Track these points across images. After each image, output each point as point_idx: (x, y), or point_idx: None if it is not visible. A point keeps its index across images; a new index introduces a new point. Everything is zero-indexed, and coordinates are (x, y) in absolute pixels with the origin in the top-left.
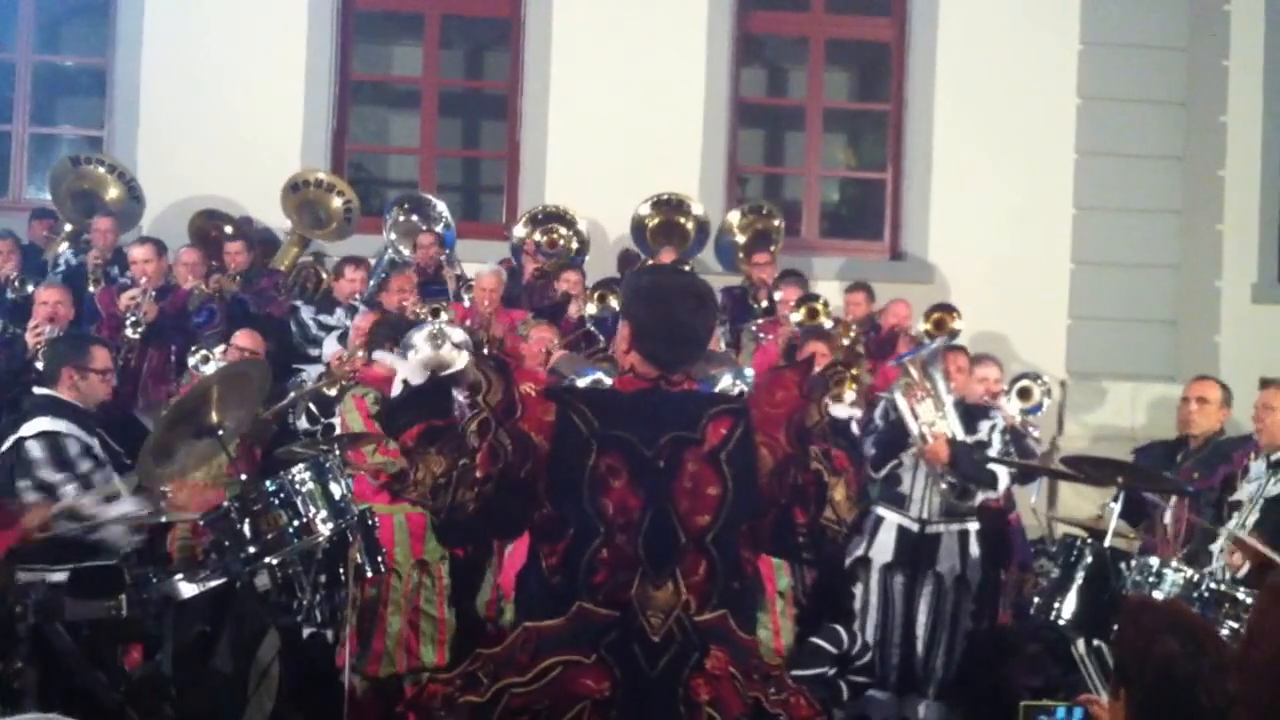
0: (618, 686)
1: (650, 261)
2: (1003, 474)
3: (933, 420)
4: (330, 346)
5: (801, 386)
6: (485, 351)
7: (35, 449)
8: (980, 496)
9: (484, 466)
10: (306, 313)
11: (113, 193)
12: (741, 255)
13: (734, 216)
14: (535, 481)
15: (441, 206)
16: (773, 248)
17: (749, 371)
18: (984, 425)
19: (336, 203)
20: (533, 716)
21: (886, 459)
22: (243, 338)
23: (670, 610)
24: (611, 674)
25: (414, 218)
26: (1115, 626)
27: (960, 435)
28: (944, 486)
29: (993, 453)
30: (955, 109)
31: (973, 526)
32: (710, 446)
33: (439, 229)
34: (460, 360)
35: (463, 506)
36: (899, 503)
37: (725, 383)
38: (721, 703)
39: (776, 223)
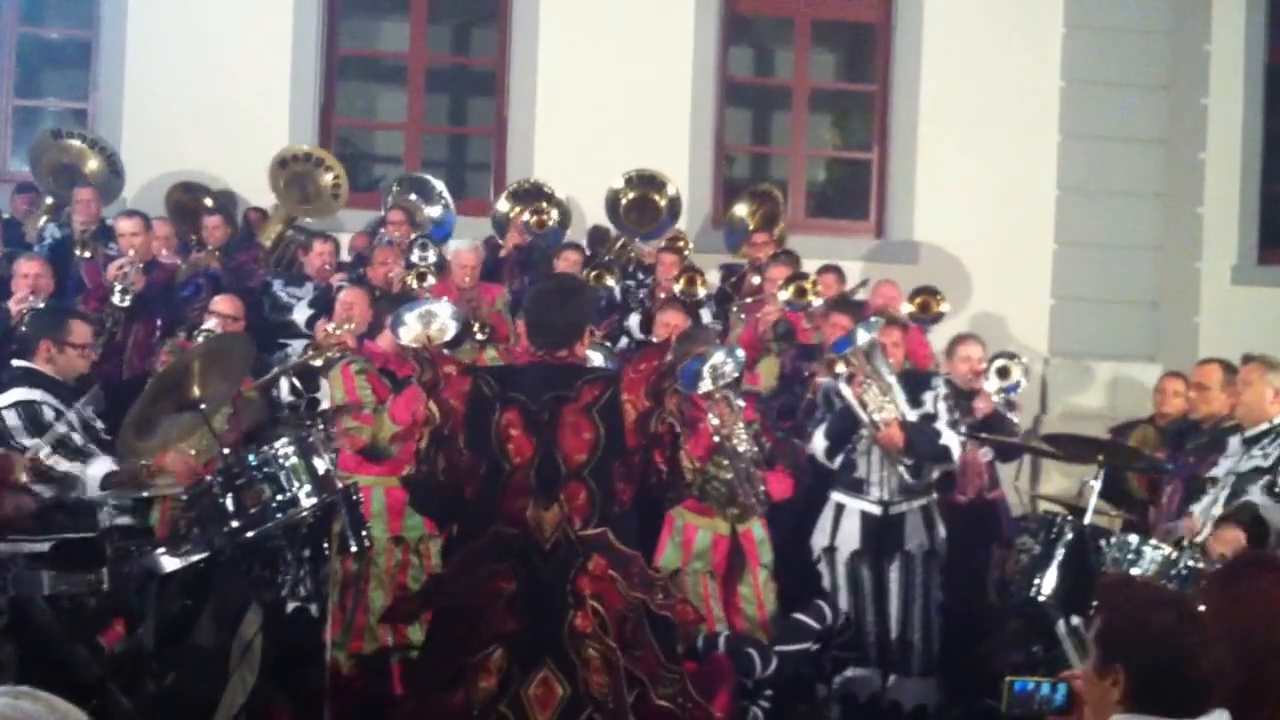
0: (521, 585)
1: (622, 239)
2: (955, 445)
3: (880, 405)
4: (300, 314)
5: (661, 359)
6: (474, 330)
7: (11, 417)
8: (935, 472)
9: (420, 429)
10: (278, 285)
11: (92, 165)
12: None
13: (742, 208)
14: (456, 435)
15: (441, 188)
16: (775, 229)
17: (740, 352)
18: (927, 396)
19: (326, 179)
20: (467, 614)
21: (840, 447)
22: (223, 303)
23: (556, 526)
24: (516, 576)
25: (412, 197)
26: (1096, 604)
27: (907, 412)
28: (901, 469)
29: (941, 423)
30: (940, 90)
31: (932, 499)
32: (585, 403)
33: (438, 211)
34: (448, 334)
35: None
36: (858, 488)
37: (718, 358)
38: (604, 598)
39: (776, 195)
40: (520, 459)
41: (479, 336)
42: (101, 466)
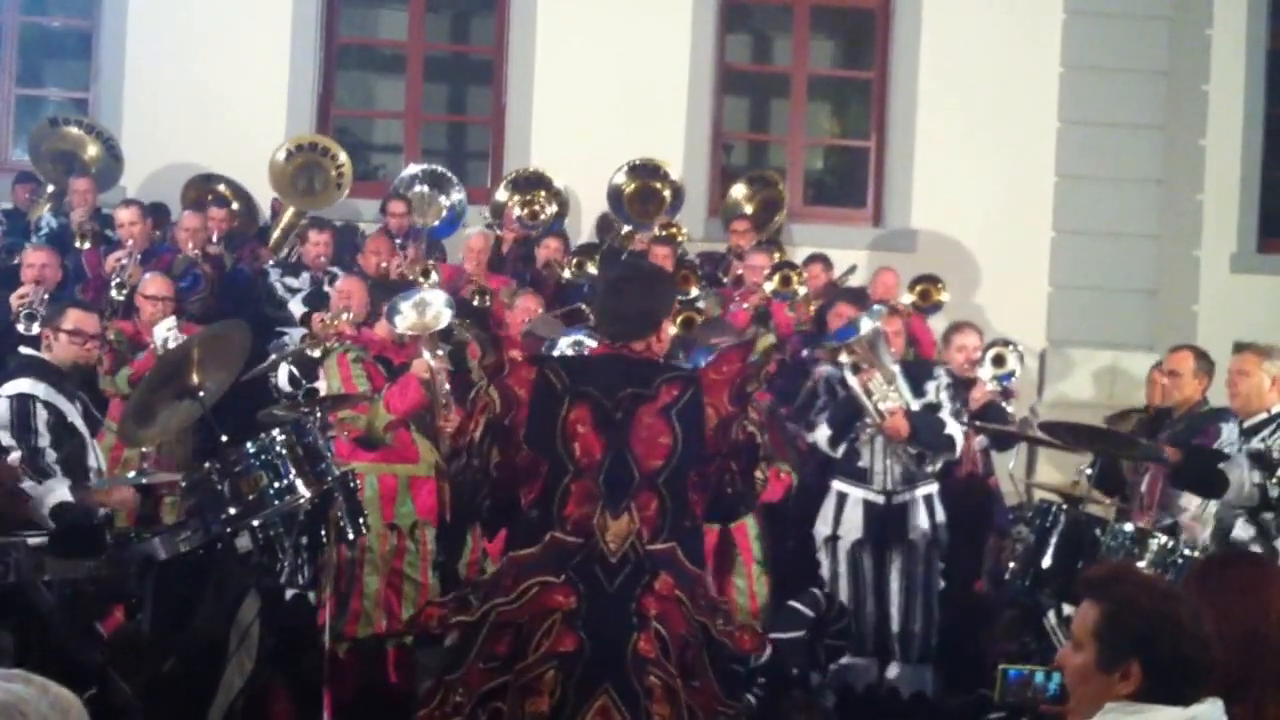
0: (582, 600)
1: (628, 229)
2: (958, 435)
3: (885, 395)
4: (296, 308)
5: (745, 360)
6: (476, 304)
7: (3, 409)
8: (939, 461)
9: (477, 417)
10: (274, 274)
11: (91, 151)
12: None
13: (739, 190)
14: (516, 428)
15: (459, 188)
16: (777, 216)
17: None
18: (930, 386)
19: (332, 168)
20: (515, 629)
21: (843, 436)
22: (153, 284)
23: (625, 537)
24: (577, 590)
25: (425, 189)
26: (1092, 598)
27: (911, 401)
28: (905, 458)
29: (945, 413)
30: (939, 77)
31: (934, 488)
32: (663, 404)
33: (458, 197)
34: (443, 322)
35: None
36: (861, 477)
37: None
38: (668, 620)
39: (780, 187)
40: (587, 460)
41: (479, 304)
42: (57, 494)
